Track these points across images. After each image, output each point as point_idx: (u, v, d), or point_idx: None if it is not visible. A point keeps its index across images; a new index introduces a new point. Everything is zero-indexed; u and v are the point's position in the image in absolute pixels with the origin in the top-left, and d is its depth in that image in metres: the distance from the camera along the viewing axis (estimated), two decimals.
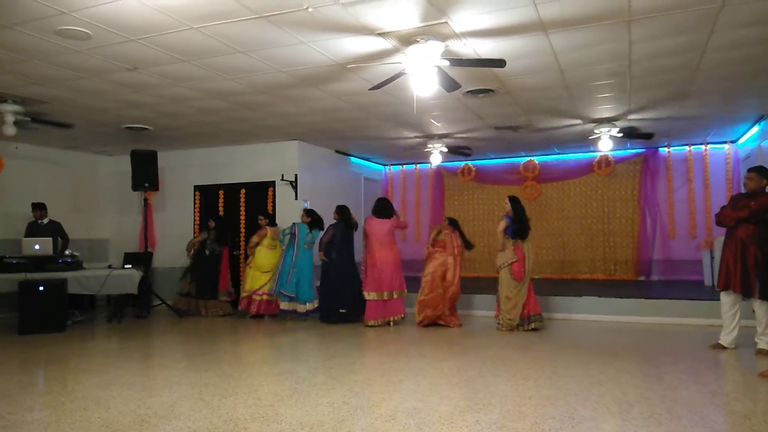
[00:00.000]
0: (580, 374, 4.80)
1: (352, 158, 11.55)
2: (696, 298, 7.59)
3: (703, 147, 10.50)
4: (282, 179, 9.43)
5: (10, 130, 6.64)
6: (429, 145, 9.52)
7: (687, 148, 10.63)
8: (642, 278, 10.73)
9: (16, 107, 6.59)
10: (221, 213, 9.78)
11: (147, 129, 8.28)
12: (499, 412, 3.79)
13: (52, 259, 7.87)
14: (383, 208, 7.86)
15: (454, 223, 7.81)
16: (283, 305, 8.18)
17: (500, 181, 11.90)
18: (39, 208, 8.59)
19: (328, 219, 8.39)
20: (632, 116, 7.94)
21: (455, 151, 9.86)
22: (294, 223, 8.39)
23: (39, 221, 8.59)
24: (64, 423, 3.69)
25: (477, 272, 11.94)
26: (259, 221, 8.75)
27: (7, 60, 5.18)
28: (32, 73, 5.60)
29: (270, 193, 9.63)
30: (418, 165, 12.68)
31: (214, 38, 4.74)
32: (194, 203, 10.14)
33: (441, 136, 9.29)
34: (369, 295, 7.45)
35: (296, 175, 9.46)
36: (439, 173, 12.40)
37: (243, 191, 9.84)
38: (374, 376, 4.93)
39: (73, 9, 4.10)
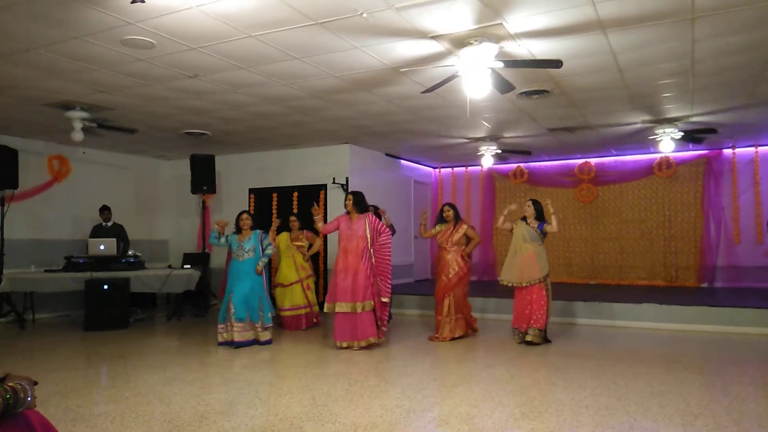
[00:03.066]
0: (641, 384, 4.65)
1: (402, 161, 11.57)
2: (763, 307, 7.21)
3: None
4: (333, 182, 9.54)
5: (78, 135, 6.98)
6: (481, 148, 9.43)
7: (753, 149, 10.14)
8: (705, 285, 10.29)
9: (84, 114, 6.92)
10: (275, 215, 9.91)
11: (206, 134, 8.55)
12: (556, 421, 3.71)
13: (116, 259, 8.22)
14: None
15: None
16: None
17: (554, 184, 11.64)
18: (107, 210, 8.99)
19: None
20: (695, 116, 7.64)
21: (512, 152, 9.72)
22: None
23: (104, 224, 8.98)
24: (128, 417, 3.84)
25: None
26: (292, 223, 8.10)
27: (76, 69, 5.45)
28: (99, 82, 5.87)
29: (322, 196, 9.76)
30: (468, 167, 12.58)
31: (271, 45, 4.84)
32: (249, 206, 10.39)
33: (493, 138, 9.19)
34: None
35: (347, 178, 9.56)
36: (490, 176, 12.25)
37: (296, 194, 10.01)
38: (426, 380, 4.92)
39: (138, 19, 4.28)
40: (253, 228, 6.68)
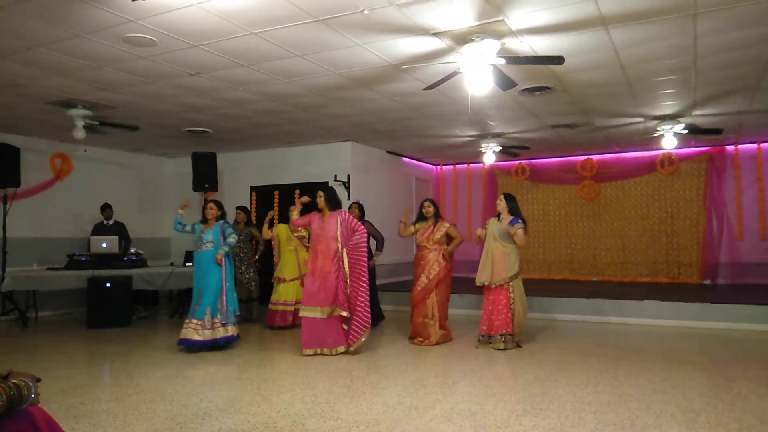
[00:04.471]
0: (643, 381, 4.65)
1: (404, 158, 11.56)
2: (766, 303, 7.20)
3: None
4: (335, 180, 9.54)
5: (80, 134, 6.98)
6: (482, 145, 9.42)
7: (756, 145, 10.11)
8: (707, 282, 10.27)
9: (86, 112, 6.93)
10: (276, 212, 9.80)
11: (207, 132, 8.55)
12: (558, 418, 3.71)
13: (118, 256, 8.23)
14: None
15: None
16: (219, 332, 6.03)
17: (556, 180, 11.64)
18: (108, 208, 9.00)
19: (378, 219, 8.36)
20: (697, 113, 7.62)
21: (507, 152, 9.71)
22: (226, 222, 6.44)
23: (106, 222, 8.99)
24: (130, 414, 3.85)
25: (531, 274, 11.74)
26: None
27: (78, 67, 5.45)
28: (101, 79, 5.87)
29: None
30: (470, 165, 12.57)
31: (272, 42, 4.84)
32: (251, 203, 10.40)
33: (495, 136, 9.18)
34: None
35: (349, 176, 9.56)
36: (492, 173, 12.24)
37: (297, 191, 10.01)
38: (428, 376, 4.92)
39: (140, 17, 4.28)
40: (219, 218, 6.26)
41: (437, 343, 6.33)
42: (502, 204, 6.31)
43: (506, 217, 6.26)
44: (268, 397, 4.25)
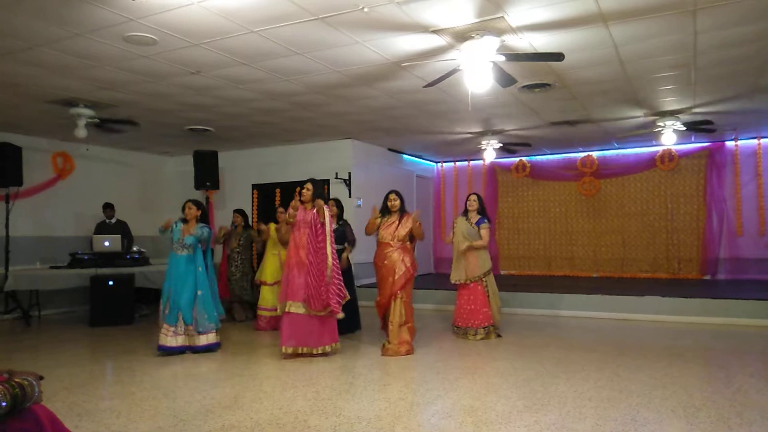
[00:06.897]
0: (643, 376, 4.66)
1: (404, 156, 11.57)
2: (765, 298, 7.22)
3: None
4: (336, 177, 9.55)
5: (82, 132, 7.00)
6: (483, 142, 9.43)
7: (756, 141, 10.12)
8: (707, 277, 10.30)
9: (87, 111, 6.94)
10: (279, 210, 9.80)
11: (208, 130, 8.56)
12: (559, 413, 3.73)
13: (121, 255, 8.25)
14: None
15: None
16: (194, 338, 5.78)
17: (556, 177, 11.65)
18: (110, 207, 9.02)
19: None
20: (697, 109, 7.62)
21: (507, 149, 9.73)
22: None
23: (108, 221, 9.01)
24: (134, 412, 3.87)
25: (532, 270, 11.77)
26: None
27: (79, 66, 5.47)
28: (102, 78, 5.89)
29: (324, 191, 9.75)
30: (470, 161, 12.58)
31: (272, 41, 4.85)
32: (252, 201, 10.42)
33: (495, 132, 9.19)
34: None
35: (350, 173, 9.58)
36: (493, 170, 12.26)
37: (298, 189, 10.00)
38: (429, 373, 4.94)
39: (141, 16, 4.29)
40: (200, 219, 5.91)
41: (408, 353, 5.64)
42: (475, 204, 6.55)
43: (474, 217, 6.54)
44: (271, 393, 4.28)
